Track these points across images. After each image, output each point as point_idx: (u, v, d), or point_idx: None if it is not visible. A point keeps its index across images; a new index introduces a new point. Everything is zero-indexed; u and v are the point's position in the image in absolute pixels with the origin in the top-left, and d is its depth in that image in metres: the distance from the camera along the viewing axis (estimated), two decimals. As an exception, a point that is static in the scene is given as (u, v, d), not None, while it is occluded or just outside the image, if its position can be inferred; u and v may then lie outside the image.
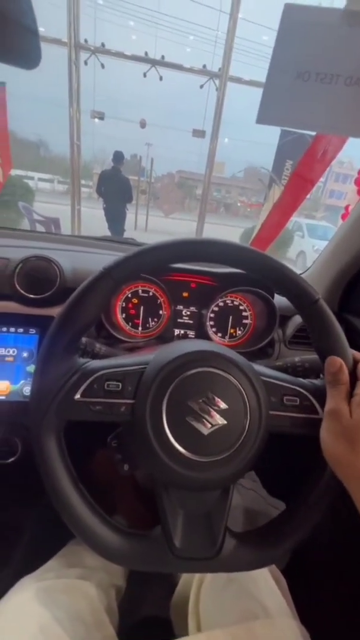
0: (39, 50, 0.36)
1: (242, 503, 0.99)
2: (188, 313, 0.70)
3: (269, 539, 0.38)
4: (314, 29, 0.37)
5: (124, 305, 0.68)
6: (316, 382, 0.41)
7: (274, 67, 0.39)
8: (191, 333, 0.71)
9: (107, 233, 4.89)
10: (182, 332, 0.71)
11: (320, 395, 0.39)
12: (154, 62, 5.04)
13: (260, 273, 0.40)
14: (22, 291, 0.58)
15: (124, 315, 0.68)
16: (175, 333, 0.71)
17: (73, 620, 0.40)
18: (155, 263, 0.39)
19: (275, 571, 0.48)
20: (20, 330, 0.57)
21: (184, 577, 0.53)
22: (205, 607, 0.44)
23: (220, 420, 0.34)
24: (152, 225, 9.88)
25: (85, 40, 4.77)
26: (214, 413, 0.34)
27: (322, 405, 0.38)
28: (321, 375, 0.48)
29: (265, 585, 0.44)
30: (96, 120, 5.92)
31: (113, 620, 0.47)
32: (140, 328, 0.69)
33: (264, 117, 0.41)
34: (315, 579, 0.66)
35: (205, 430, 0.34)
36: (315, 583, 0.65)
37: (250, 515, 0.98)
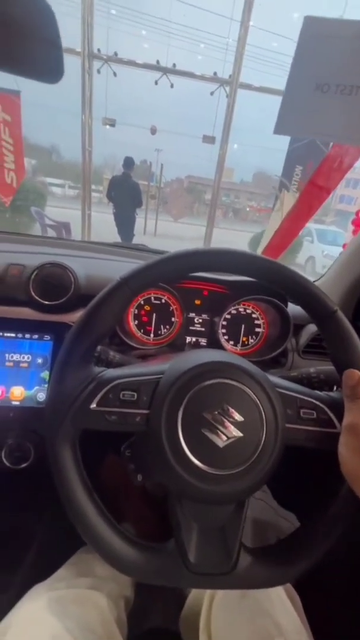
0: (62, 65, 0.36)
1: (251, 514, 0.97)
2: (200, 321, 0.70)
3: (285, 556, 0.37)
4: (334, 41, 0.37)
5: (136, 312, 0.68)
6: (333, 394, 0.41)
7: (293, 79, 0.39)
8: (203, 341, 0.71)
9: (117, 237, 4.95)
10: (193, 339, 0.70)
11: (338, 408, 0.38)
12: (165, 70, 5.11)
13: (276, 283, 0.40)
14: (37, 297, 0.59)
15: (136, 322, 0.69)
16: (187, 340, 0.70)
17: (84, 631, 0.39)
18: (172, 273, 0.39)
19: (289, 589, 0.47)
20: (35, 336, 0.58)
21: (195, 590, 0.53)
22: (217, 623, 0.43)
23: (236, 432, 0.34)
24: (161, 230, 9.95)
25: (99, 50, 4.87)
26: (229, 425, 0.34)
27: (340, 419, 0.38)
28: (336, 387, 0.47)
29: (280, 603, 0.43)
30: (107, 126, 6.02)
31: (122, 631, 0.46)
32: (152, 335, 0.69)
33: (281, 128, 0.41)
34: (330, 597, 0.64)
35: (221, 442, 0.34)
36: (331, 602, 0.63)
37: (260, 526, 0.97)
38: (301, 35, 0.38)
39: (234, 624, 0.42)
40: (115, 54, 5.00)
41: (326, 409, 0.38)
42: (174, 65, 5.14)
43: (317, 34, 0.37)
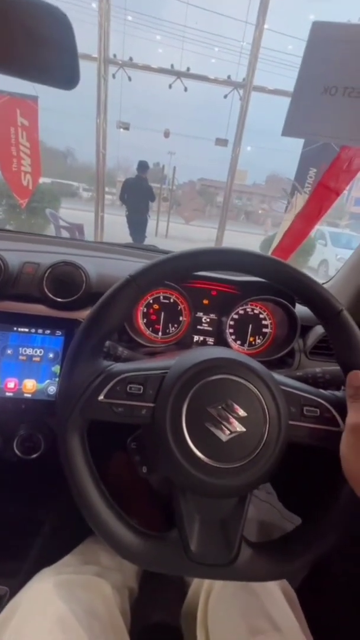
0: (78, 72, 0.38)
1: (257, 516, 0.97)
2: (208, 320, 0.71)
3: (285, 551, 0.38)
4: (342, 45, 0.37)
5: (145, 310, 0.70)
6: (338, 393, 0.41)
7: (300, 82, 0.40)
8: (210, 340, 0.71)
9: (129, 239, 5.01)
10: (201, 338, 0.71)
11: (342, 407, 0.38)
12: (179, 74, 5.17)
13: (282, 283, 0.41)
14: (50, 295, 0.61)
15: (145, 320, 0.70)
16: (195, 339, 0.71)
17: (89, 616, 0.40)
18: (179, 271, 0.40)
19: (285, 585, 0.47)
20: (47, 331, 0.60)
21: (195, 585, 0.53)
22: (214, 618, 0.44)
23: (239, 427, 0.35)
24: (172, 232, 10.01)
25: (114, 55, 4.97)
26: (232, 420, 0.35)
27: (344, 418, 0.38)
28: (343, 387, 0.47)
29: (274, 597, 0.44)
30: (121, 130, 6.11)
31: (126, 622, 0.47)
32: (160, 333, 0.70)
33: (290, 130, 0.42)
34: (331, 597, 0.64)
35: (224, 436, 0.35)
36: (332, 601, 0.63)
37: (265, 528, 0.96)
38: (309, 40, 0.38)
39: (230, 618, 0.43)
40: (131, 59, 5.08)
41: (330, 407, 0.39)
42: (188, 69, 5.20)
43: (325, 39, 0.38)
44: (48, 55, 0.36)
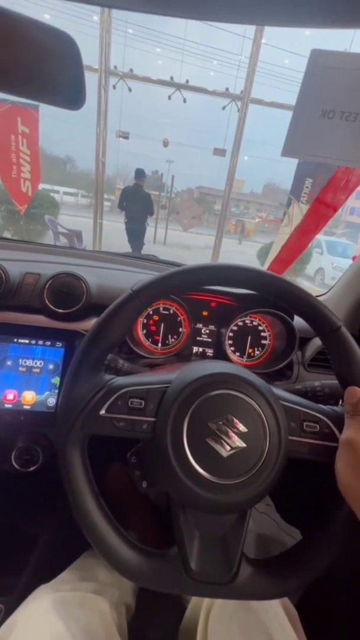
0: (84, 92, 0.39)
1: (255, 528, 0.96)
2: (207, 331, 0.71)
3: (285, 569, 0.37)
4: (339, 72, 0.39)
5: (145, 321, 0.70)
6: (337, 409, 0.41)
7: (300, 106, 0.41)
8: (209, 351, 0.72)
9: (127, 245, 5.03)
10: (200, 349, 0.72)
11: (341, 423, 0.39)
12: (178, 86, 5.26)
13: (280, 298, 0.41)
14: (50, 306, 0.61)
15: (145, 331, 0.70)
16: (194, 350, 0.72)
17: (86, 635, 0.40)
18: (181, 287, 0.41)
19: (286, 603, 0.47)
20: (48, 343, 0.60)
21: (193, 602, 0.52)
22: (214, 636, 0.43)
23: (239, 443, 0.35)
24: (170, 239, 10.07)
25: (115, 67, 5.06)
26: (233, 435, 0.35)
27: None
28: (341, 402, 0.48)
29: (275, 616, 0.43)
30: (121, 139, 6.18)
31: (123, 639, 0.47)
32: (159, 345, 0.71)
33: (289, 151, 0.43)
34: (330, 614, 0.63)
35: (225, 452, 0.35)
36: (331, 619, 0.62)
37: (263, 541, 0.95)
38: (308, 66, 0.40)
39: (230, 636, 0.42)
40: (131, 70, 5.18)
41: (329, 422, 0.39)
42: (187, 81, 5.30)
43: (323, 66, 0.39)
44: (55, 77, 0.37)
